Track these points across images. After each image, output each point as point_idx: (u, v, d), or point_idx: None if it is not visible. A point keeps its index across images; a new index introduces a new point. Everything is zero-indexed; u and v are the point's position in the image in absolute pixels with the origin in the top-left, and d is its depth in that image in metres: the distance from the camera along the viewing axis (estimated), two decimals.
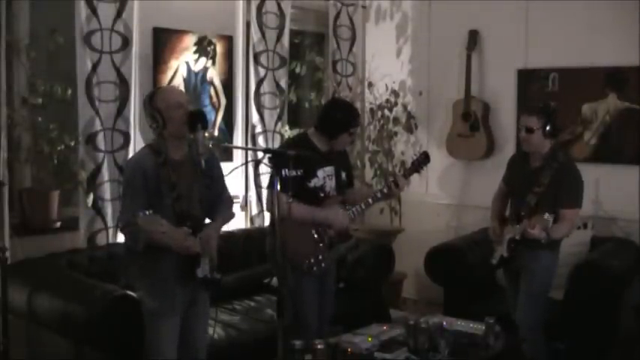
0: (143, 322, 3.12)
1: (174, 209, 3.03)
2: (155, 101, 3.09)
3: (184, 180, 3.09)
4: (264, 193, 4.66)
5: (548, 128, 3.66)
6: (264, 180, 4.83)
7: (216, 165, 3.29)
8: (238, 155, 4.96)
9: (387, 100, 5.70)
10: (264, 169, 4.83)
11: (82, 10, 3.99)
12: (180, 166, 3.11)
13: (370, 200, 3.70)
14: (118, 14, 4.13)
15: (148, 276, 3.10)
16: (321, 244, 3.57)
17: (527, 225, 3.54)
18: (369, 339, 3.31)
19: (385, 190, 3.71)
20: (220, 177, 3.30)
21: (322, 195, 3.60)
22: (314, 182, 3.56)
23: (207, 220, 3.22)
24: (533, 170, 3.74)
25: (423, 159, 3.77)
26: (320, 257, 3.55)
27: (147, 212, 2.81)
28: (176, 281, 3.08)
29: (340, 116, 3.61)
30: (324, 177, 3.61)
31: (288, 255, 3.39)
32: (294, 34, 5.49)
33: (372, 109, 5.77)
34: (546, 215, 3.47)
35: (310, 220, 3.51)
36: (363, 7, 5.95)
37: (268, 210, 3.99)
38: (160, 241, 2.95)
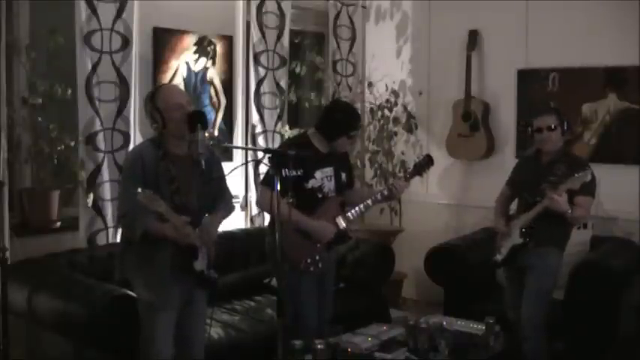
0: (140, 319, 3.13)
1: (172, 202, 3.03)
2: (155, 101, 3.11)
3: (183, 174, 3.11)
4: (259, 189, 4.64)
5: (564, 126, 3.74)
6: None
7: (217, 165, 3.30)
8: (238, 155, 4.96)
9: (387, 100, 5.70)
10: (264, 169, 4.82)
11: (82, 10, 3.99)
12: (180, 160, 3.12)
13: (369, 202, 3.69)
14: (118, 14, 4.13)
15: (144, 268, 3.10)
16: (317, 245, 3.56)
17: (555, 192, 3.54)
18: (369, 339, 3.32)
19: (385, 193, 3.70)
20: (221, 177, 3.31)
21: (320, 196, 3.58)
22: (311, 183, 3.55)
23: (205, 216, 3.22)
24: (545, 165, 3.78)
25: (426, 162, 3.76)
26: (317, 257, 3.54)
27: (147, 191, 2.85)
28: (173, 274, 3.07)
29: (340, 119, 3.59)
30: (323, 178, 3.60)
31: (286, 255, 3.39)
32: (294, 34, 5.49)
33: (372, 109, 5.77)
34: (576, 174, 3.49)
35: (298, 226, 3.46)
36: (363, 7, 5.95)
37: (257, 205, 3.97)
38: (158, 229, 2.97)
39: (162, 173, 3.05)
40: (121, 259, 3.23)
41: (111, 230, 4.16)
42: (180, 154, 3.13)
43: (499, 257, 3.85)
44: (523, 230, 3.72)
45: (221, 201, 3.31)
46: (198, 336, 3.27)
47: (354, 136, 3.70)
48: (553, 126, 3.73)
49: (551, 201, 3.56)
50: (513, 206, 4.02)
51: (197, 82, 4.76)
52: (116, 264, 3.31)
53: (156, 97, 3.12)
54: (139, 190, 2.84)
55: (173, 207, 3.01)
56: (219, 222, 3.29)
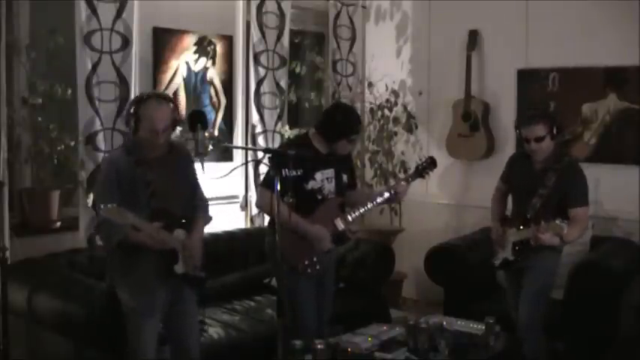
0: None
1: (149, 206, 3.04)
2: (137, 109, 3.06)
3: (161, 177, 3.09)
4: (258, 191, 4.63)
5: (554, 131, 3.66)
6: None
7: (190, 163, 3.29)
8: (238, 155, 4.96)
9: (387, 100, 5.70)
10: (265, 169, 4.82)
11: (82, 10, 3.99)
12: (156, 163, 3.11)
13: (369, 205, 3.67)
14: (118, 14, 4.13)
15: (126, 274, 3.11)
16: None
17: (537, 230, 3.52)
18: (369, 339, 3.32)
19: (386, 196, 3.69)
20: (195, 177, 3.31)
21: (320, 197, 3.57)
22: (311, 184, 3.53)
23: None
24: (537, 172, 3.72)
25: (429, 164, 3.74)
26: (315, 259, 3.52)
27: (109, 205, 2.82)
28: (155, 279, 3.08)
29: (340, 122, 3.56)
30: (323, 179, 3.58)
31: (284, 256, 3.38)
32: (294, 34, 5.49)
33: (372, 109, 5.77)
34: (558, 221, 3.45)
35: (295, 229, 3.44)
36: (363, 7, 5.95)
37: (257, 207, 3.96)
38: (133, 238, 2.97)
39: (138, 178, 3.04)
40: (108, 266, 3.24)
41: None
42: (153, 158, 3.11)
43: (496, 262, 3.84)
44: (516, 248, 3.69)
45: (199, 209, 3.30)
46: (191, 335, 3.27)
47: (354, 139, 3.69)
48: (541, 137, 3.63)
49: (536, 239, 3.54)
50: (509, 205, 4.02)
51: (197, 82, 4.76)
52: (106, 270, 3.31)
53: (140, 106, 3.06)
54: (102, 205, 2.82)
55: (151, 212, 3.01)
56: (202, 232, 3.27)
